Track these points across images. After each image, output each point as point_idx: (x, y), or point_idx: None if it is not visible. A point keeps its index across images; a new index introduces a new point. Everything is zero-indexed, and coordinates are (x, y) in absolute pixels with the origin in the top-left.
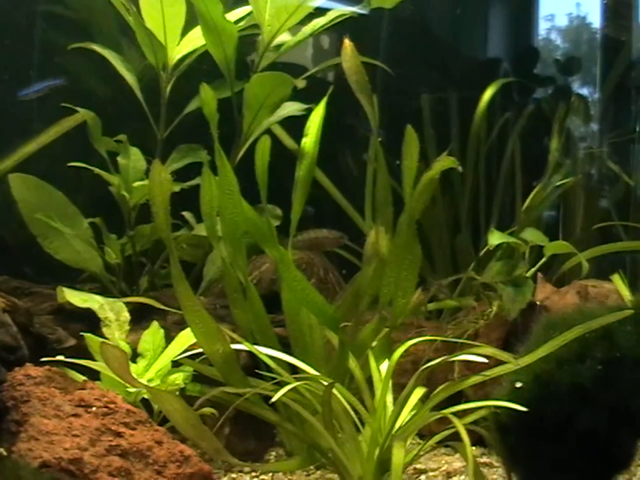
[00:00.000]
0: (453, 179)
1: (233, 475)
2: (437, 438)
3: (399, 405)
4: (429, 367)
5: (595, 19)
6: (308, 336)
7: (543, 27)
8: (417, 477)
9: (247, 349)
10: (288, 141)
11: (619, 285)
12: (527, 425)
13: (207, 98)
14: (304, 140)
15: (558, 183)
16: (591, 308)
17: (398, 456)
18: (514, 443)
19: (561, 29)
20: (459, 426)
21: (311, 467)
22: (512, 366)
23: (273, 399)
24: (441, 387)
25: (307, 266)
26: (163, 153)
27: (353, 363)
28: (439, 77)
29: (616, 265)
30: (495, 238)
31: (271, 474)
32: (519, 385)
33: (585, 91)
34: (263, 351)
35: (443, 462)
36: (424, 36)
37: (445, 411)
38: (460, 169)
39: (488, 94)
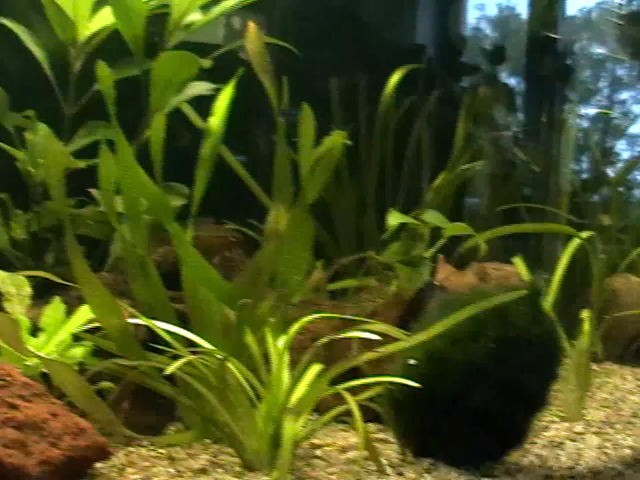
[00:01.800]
0: (361, 161)
1: (131, 449)
2: (333, 413)
3: (294, 380)
4: (323, 342)
5: (523, 9)
6: (206, 312)
7: (472, 15)
8: (313, 452)
9: (143, 323)
10: (197, 120)
11: (519, 267)
12: (420, 402)
13: (103, 75)
14: (210, 119)
15: (463, 167)
16: (485, 288)
17: (289, 429)
18: (407, 419)
19: (490, 19)
20: (350, 401)
21: (209, 441)
22: (405, 343)
23: (166, 372)
24: (336, 364)
25: (210, 244)
26: (73, 130)
27: (250, 339)
28: (355, 61)
29: (525, 250)
30: (394, 218)
31: (168, 448)
32: (412, 362)
33: (511, 80)
34: (159, 325)
35: (340, 437)
36: (342, 19)
37: (339, 387)
38: (349, 143)
39: (395, 78)
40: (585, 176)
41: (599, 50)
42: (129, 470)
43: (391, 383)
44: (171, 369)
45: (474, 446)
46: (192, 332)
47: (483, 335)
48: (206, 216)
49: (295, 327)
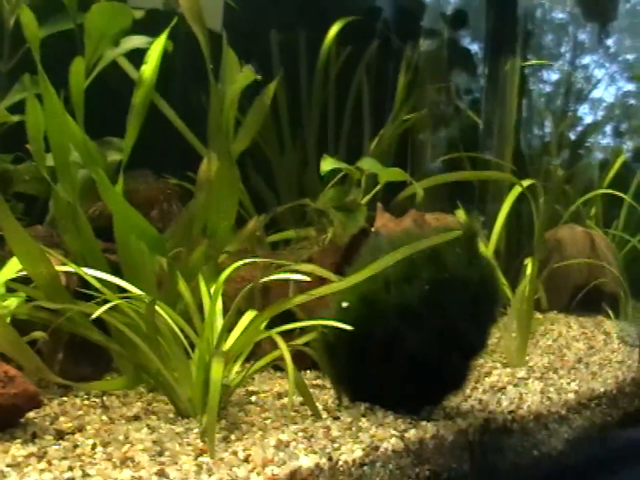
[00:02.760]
0: (303, 116)
1: (65, 398)
2: (268, 359)
3: (226, 326)
4: (250, 287)
5: None
6: (139, 262)
7: None
8: (248, 398)
9: (71, 270)
10: (134, 74)
11: (460, 217)
12: (353, 345)
13: (27, 20)
14: (142, 67)
15: (404, 118)
16: (418, 230)
17: (216, 370)
18: (342, 363)
19: None
20: (281, 345)
21: (144, 390)
22: (336, 285)
23: (92, 317)
24: (268, 308)
25: (148, 197)
26: (9, 86)
27: (183, 287)
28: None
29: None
30: (327, 164)
31: (103, 397)
32: (345, 304)
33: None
34: (88, 272)
35: (277, 384)
36: None
37: (272, 331)
38: (259, 78)
39: (333, 30)
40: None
41: (560, 14)
42: (62, 419)
43: (325, 327)
44: (97, 312)
45: (410, 390)
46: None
47: (416, 277)
48: (144, 168)
49: (225, 273)
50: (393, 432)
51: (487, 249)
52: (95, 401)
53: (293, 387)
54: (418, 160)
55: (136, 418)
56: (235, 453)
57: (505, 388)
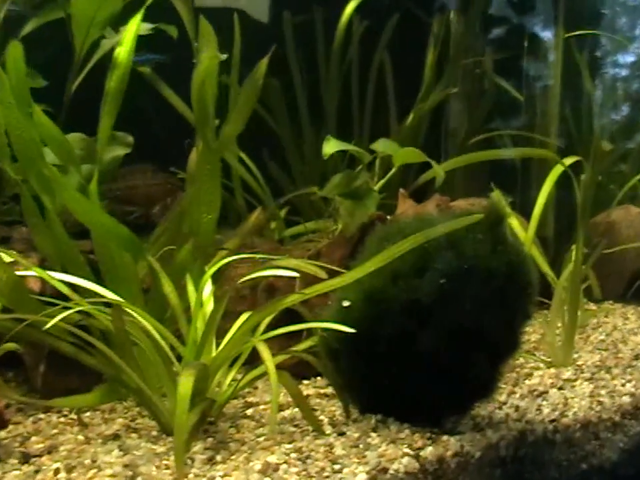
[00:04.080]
0: (322, 97)
1: (41, 416)
2: (263, 368)
3: (210, 331)
4: (229, 289)
5: None
6: (119, 264)
7: None
8: (244, 411)
9: (34, 274)
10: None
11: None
12: (358, 349)
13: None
14: (117, 49)
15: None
16: (432, 215)
17: (184, 385)
18: (347, 369)
19: None
20: (263, 352)
21: (131, 404)
22: (335, 282)
23: (46, 326)
24: (257, 310)
25: (150, 193)
26: None
27: (168, 289)
28: None
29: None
30: (330, 146)
31: (88, 413)
32: (346, 303)
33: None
34: (55, 277)
35: (281, 394)
36: None
37: (262, 336)
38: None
39: (351, 6)
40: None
41: None
42: (34, 439)
43: (325, 330)
44: (52, 322)
45: (430, 398)
46: (106, 285)
47: (429, 269)
48: (147, 162)
49: (209, 272)
50: (406, 450)
51: (525, 235)
52: (72, 418)
53: (276, 404)
54: (452, 141)
55: (115, 437)
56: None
57: (547, 392)
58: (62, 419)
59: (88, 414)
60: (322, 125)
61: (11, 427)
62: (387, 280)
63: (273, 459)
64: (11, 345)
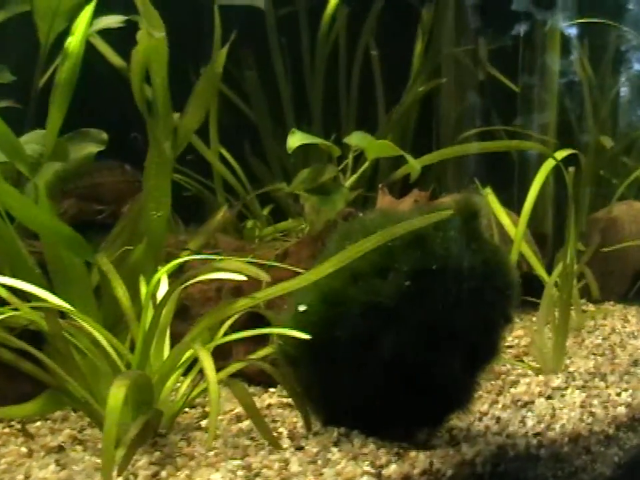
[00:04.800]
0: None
1: None
2: (222, 374)
3: (151, 337)
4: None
5: None
6: (68, 264)
7: None
8: (198, 422)
9: None
10: (114, 58)
11: (488, 197)
12: (317, 355)
13: None
14: (69, 39)
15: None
16: (399, 211)
17: (114, 397)
18: (306, 378)
19: None
20: (203, 358)
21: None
22: (289, 284)
23: None
24: (207, 313)
25: (118, 190)
26: None
27: (120, 292)
28: None
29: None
30: (295, 139)
31: (31, 423)
32: (302, 308)
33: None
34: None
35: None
36: None
37: (216, 341)
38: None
39: None
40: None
41: None
42: None
43: (281, 336)
44: None
45: (398, 410)
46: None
47: (392, 269)
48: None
49: (159, 273)
50: (367, 468)
51: (516, 231)
52: (18, 429)
53: (214, 418)
54: (444, 134)
55: (60, 449)
56: None
57: (532, 402)
58: (7, 430)
59: (38, 423)
60: (307, 118)
61: None
62: (346, 281)
63: (216, 477)
64: None
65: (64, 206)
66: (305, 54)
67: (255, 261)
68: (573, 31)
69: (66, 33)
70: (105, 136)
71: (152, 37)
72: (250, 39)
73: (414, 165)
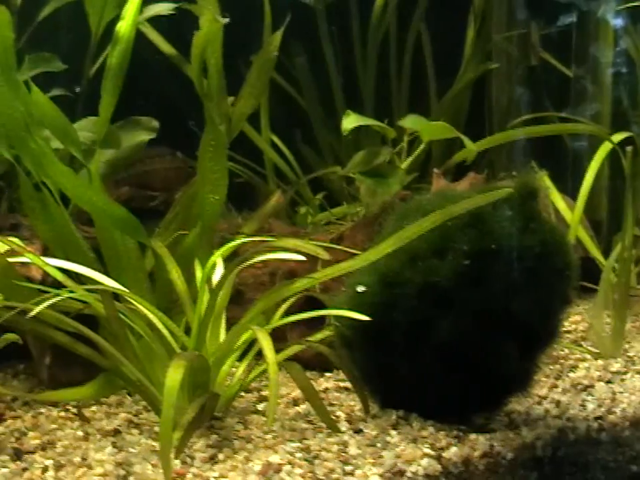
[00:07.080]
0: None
1: (42, 410)
2: (280, 356)
3: (209, 320)
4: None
5: None
6: (121, 249)
7: None
8: (255, 406)
9: (27, 260)
10: (165, 46)
11: (546, 181)
12: (375, 338)
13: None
14: (119, 24)
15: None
16: (456, 190)
17: (172, 378)
18: (363, 360)
19: None
20: (263, 342)
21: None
22: (346, 265)
23: (31, 314)
24: (262, 295)
25: (168, 177)
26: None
27: (175, 276)
28: None
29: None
30: (349, 121)
31: (94, 407)
32: (361, 289)
33: None
34: (51, 264)
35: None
36: None
37: (271, 324)
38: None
39: None
40: None
41: None
42: (31, 434)
43: (338, 318)
44: (36, 309)
45: (455, 393)
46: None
47: (451, 249)
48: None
49: (217, 254)
50: (427, 450)
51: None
52: (74, 413)
53: (274, 399)
54: (496, 120)
55: (116, 432)
56: None
57: (592, 386)
58: (62, 414)
59: (94, 408)
60: (357, 105)
61: (9, 421)
62: (405, 261)
63: (275, 458)
64: (11, 336)
65: (116, 193)
66: (356, 41)
67: (311, 243)
68: (622, 20)
69: (115, 22)
70: (155, 124)
71: (216, 22)
72: (300, 26)
73: (470, 147)
